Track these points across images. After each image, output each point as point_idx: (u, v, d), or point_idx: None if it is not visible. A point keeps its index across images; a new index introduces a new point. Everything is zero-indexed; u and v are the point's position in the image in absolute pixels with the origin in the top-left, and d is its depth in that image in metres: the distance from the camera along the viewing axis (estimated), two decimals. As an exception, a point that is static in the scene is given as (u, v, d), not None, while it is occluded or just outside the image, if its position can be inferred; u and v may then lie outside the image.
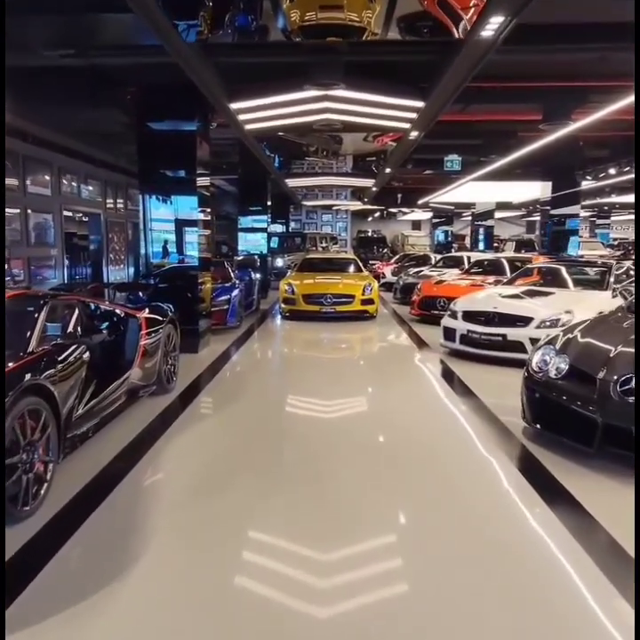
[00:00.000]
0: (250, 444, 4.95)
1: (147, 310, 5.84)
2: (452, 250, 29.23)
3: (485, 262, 13.60)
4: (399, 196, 23.09)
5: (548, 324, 7.38)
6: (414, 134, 9.79)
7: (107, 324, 5.29)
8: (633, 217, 30.92)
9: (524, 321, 7.47)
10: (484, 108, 10.05)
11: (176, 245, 8.32)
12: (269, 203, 18.18)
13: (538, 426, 4.68)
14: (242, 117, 8.60)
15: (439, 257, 20.12)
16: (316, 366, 8.32)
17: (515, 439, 4.99)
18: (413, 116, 8.41)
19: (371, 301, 12.08)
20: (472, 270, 13.22)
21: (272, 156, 16.01)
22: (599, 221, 34.32)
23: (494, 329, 7.61)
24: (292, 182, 18.18)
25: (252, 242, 17.45)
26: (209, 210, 9.17)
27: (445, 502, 3.85)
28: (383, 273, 19.74)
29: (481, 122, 11.00)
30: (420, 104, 7.78)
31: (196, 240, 8.29)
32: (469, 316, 8.00)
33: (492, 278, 11.98)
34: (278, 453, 4.78)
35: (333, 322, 11.84)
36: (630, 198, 21.03)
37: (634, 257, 11.89)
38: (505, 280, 9.82)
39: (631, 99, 7.43)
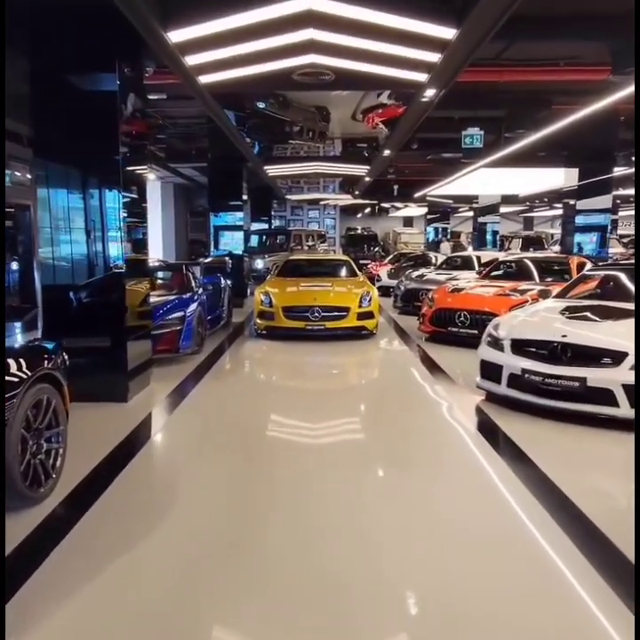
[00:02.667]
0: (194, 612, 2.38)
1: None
2: (446, 247, 26.76)
3: (507, 264, 11.10)
4: (395, 187, 20.52)
5: (644, 361, 4.87)
6: (430, 93, 7.23)
7: None
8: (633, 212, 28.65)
9: (613, 357, 4.93)
10: (529, 52, 7.54)
11: (88, 245, 5.68)
12: (246, 197, 15.57)
13: None
14: (191, 61, 5.99)
15: (441, 256, 17.75)
16: (300, 421, 5.76)
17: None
18: (436, 58, 5.85)
19: (369, 315, 9.51)
20: (491, 274, 10.72)
21: (249, 141, 13.45)
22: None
23: (566, 369, 5.05)
24: (273, 170, 15.56)
25: (227, 241, 14.87)
26: (143, 199, 6.61)
27: None
28: (378, 275, 17.22)
29: (512, 83, 8.46)
30: (449, 33, 5.22)
31: (122, 237, 5.66)
32: (523, 347, 5.46)
33: (524, 284, 9.49)
34: None
35: (322, 341, 9.28)
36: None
37: (634, 256, 9.75)
38: (553, 290, 7.25)
39: None
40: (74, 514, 3.47)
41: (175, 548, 3.18)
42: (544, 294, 6.84)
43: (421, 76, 6.54)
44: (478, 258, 14.47)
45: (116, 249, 5.60)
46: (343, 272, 11.13)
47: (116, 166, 5.66)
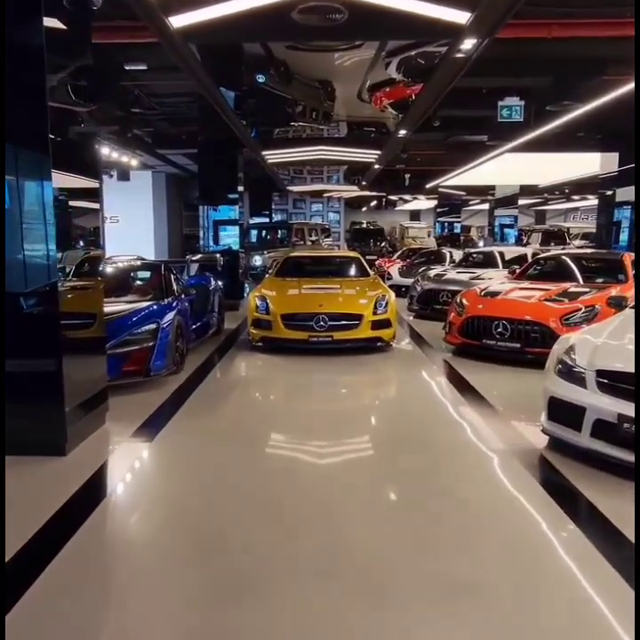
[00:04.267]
0: None
1: None
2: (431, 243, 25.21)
3: (545, 262, 9.51)
4: (407, 176, 18.88)
5: None
6: (468, 45, 5.65)
7: None
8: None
9: None
10: None
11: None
12: (241, 188, 13.98)
13: None
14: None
15: (457, 253, 16.17)
16: (302, 479, 4.19)
17: None
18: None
19: (386, 323, 7.94)
20: (526, 274, 9.13)
21: (246, 123, 11.88)
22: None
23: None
24: (272, 156, 13.97)
25: (221, 235, 13.35)
26: (94, 181, 5.05)
27: None
28: (388, 273, 15.62)
29: (561, 41, 6.87)
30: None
31: (51, 227, 4.06)
32: (615, 382, 3.88)
33: (570, 286, 7.93)
34: None
35: (329, 355, 7.71)
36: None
37: (634, 254, 8.44)
38: (628, 298, 5.66)
39: None
40: None
41: None
42: (618, 302, 5.26)
43: (462, 16, 4.95)
44: (501, 254, 12.93)
45: (42, 243, 4.00)
46: (352, 271, 9.54)
47: (40, 136, 4.04)
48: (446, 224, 32.77)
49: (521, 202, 27.12)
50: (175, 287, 7.67)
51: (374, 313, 7.81)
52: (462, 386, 6.50)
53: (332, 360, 7.61)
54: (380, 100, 12.30)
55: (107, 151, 11.15)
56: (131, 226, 18.66)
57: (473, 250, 15.08)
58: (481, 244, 28.37)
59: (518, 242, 20.31)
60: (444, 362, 7.66)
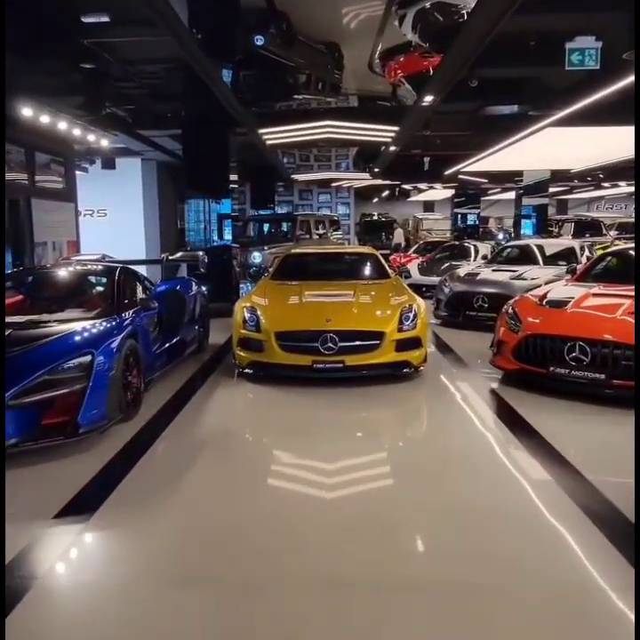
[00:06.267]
0: None
1: None
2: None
3: (609, 259, 7.54)
4: (426, 160, 16.82)
5: None
6: None
7: None
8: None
9: None
10: None
11: None
12: (235, 177, 12.12)
13: None
14: None
15: (482, 246, 14.25)
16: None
17: None
18: None
19: (415, 343, 6.00)
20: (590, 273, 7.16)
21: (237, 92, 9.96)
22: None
23: None
24: (272, 136, 12.02)
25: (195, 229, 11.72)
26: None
27: None
28: (407, 270, 13.68)
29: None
30: None
31: None
32: None
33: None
34: None
35: (339, 386, 5.81)
36: None
37: (634, 251, 6.68)
38: None
39: None
40: None
41: None
42: None
43: None
44: (540, 248, 11.00)
45: None
46: (368, 271, 7.58)
47: None
48: (460, 216, 30.78)
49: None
50: (141, 296, 5.82)
51: (399, 329, 5.87)
52: (523, 431, 4.62)
53: (342, 391, 5.72)
54: (395, 72, 10.47)
55: (66, 126, 9.22)
56: (119, 220, 16.85)
57: (510, 243, 13.13)
58: (500, 236, 26.35)
59: (541, 233, 18.22)
60: (491, 394, 5.75)
